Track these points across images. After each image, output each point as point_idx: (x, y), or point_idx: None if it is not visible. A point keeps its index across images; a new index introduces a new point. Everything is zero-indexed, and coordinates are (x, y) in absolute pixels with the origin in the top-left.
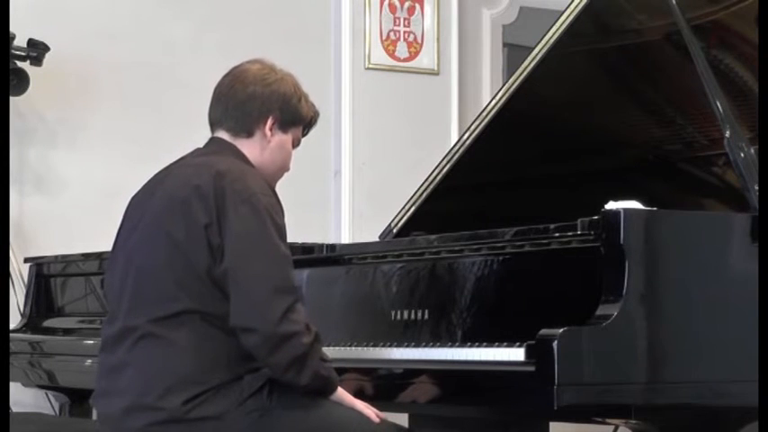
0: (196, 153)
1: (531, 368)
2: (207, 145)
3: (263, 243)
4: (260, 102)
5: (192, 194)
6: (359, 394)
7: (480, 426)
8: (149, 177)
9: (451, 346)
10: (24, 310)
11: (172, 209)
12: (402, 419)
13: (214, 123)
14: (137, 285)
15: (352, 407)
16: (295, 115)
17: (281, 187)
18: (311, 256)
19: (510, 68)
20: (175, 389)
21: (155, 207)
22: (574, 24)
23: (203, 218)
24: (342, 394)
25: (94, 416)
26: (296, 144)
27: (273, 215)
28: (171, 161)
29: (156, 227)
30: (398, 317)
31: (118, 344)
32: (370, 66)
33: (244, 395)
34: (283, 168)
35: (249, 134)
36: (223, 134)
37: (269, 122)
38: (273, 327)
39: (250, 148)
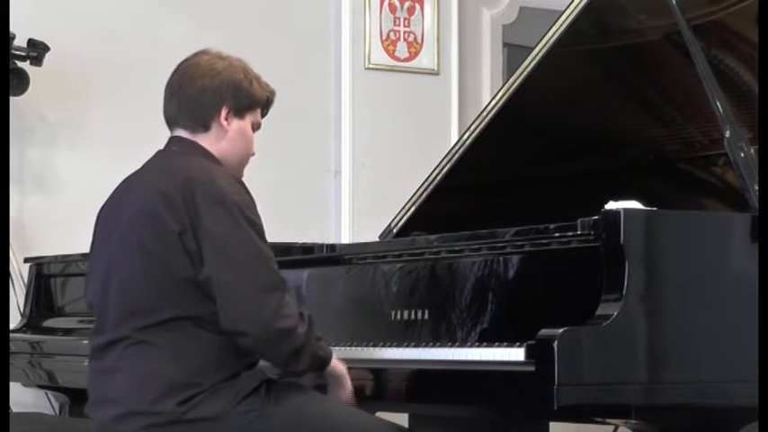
0: (160, 156)
1: (531, 368)
2: (168, 145)
3: (242, 244)
4: (211, 93)
5: (160, 202)
6: (359, 394)
7: (480, 426)
8: None
9: (451, 346)
10: (24, 310)
11: (142, 219)
12: (402, 419)
13: (170, 122)
14: (120, 299)
15: (342, 377)
16: (249, 100)
17: (280, 187)
18: (311, 256)
19: (510, 68)
20: (169, 393)
21: (125, 218)
22: (574, 24)
23: (175, 225)
24: (334, 366)
25: None
26: (256, 128)
27: (247, 213)
28: None
29: (129, 238)
30: (398, 317)
31: (107, 351)
32: (370, 66)
33: (240, 395)
34: (247, 155)
35: (206, 128)
36: (181, 132)
37: (223, 112)
38: (267, 326)
39: (210, 141)
